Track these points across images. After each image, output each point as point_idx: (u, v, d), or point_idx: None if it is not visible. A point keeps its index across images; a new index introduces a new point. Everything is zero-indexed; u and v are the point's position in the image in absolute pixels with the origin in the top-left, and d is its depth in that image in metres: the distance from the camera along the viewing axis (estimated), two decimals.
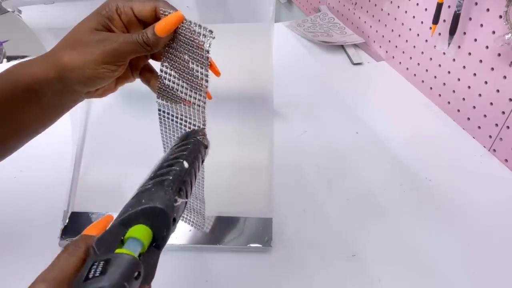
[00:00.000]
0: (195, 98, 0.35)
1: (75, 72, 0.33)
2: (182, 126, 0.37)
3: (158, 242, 0.26)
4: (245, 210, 0.53)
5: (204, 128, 0.37)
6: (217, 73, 0.37)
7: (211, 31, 0.34)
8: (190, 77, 0.35)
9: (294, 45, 0.95)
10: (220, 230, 0.51)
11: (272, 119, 0.55)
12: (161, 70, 0.36)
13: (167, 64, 0.36)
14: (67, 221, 0.52)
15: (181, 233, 0.51)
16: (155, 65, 0.39)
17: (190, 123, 0.37)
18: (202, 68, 0.34)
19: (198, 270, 0.49)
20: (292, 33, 1.00)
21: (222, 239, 0.51)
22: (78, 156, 0.57)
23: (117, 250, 0.24)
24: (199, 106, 0.36)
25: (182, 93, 0.36)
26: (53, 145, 0.66)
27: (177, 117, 0.37)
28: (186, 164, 0.31)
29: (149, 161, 0.47)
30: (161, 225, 0.26)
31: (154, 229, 0.26)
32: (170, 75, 0.36)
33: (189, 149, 0.33)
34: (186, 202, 0.29)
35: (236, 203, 0.53)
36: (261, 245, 0.50)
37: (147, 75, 0.39)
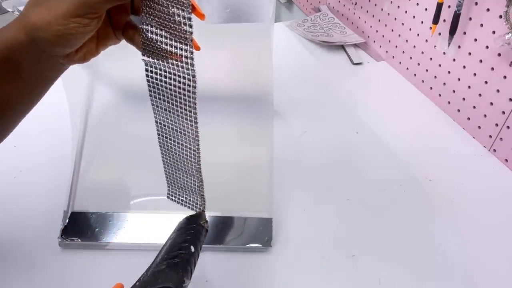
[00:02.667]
0: (181, 49, 0.33)
1: (44, 30, 0.30)
2: (172, 87, 0.35)
3: None
4: (245, 210, 0.53)
5: (204, 211, 0.42)
6: (201, 16, 0.33)
7: None
8: (172, 25, 0.32)
9: (294, 45, 0.95)
10: (220, 230, 0.51)
11: (272, 119, 0.55)
12: (142, 23, 0.33)
13: (146, 14, 0.33)
14: (67, 221, 0.52)
15: None
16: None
17: (179, 81, 0.34)
18: (183, 11, 0.31)
19: (198, 270, 0.49)
20: (292, 33, 1.00)
21: (222, 239, 0.50)
22: (78, 156, 0.57)
23: None
24: (187, 58, 0.33)
25: (166, 45, 0.33)
26: (53, 145, 0.66)
27: (165, 76, 0.35)
28: (192, 249, 0.37)
29: (149, 161, 0.47)
30: None
31: None
32: (151, 26, 0.33)
33: (193, 234, 0.38)
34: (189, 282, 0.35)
35: (236, 203, 0.53)
36: (261, 245, 0.50)
37: (130, 32, 0.36)
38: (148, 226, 0.52)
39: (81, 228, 0.52)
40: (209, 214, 0.52)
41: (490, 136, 0.63)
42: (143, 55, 0.35)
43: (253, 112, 0.58)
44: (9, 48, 0.31)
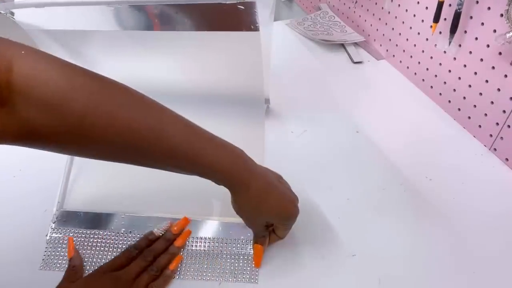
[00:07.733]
0: None
1: None
2: None
3: None
4: None
5: None
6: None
7: None
8: None
9: (294, 44, 0.95)
10: (220, 234, 0.52)
11: (263, 121, 0.54)
12: None
13: None
14: (57, 218, 0.54)
15: None
16: None
17: None
18: None
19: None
20: (292, 32, 1.00)
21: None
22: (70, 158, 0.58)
23: None
24: None
25: None
26: None
27: None
28: None
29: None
30: None
31: None
32: None
33: None
34: None
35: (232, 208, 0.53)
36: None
37: None
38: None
39: (70, 226, 0.53)
40: (209, 220, 0.52)
41: (491, 135, 0.63)
42: None
43: (245, 114, 0.58)
44: None
